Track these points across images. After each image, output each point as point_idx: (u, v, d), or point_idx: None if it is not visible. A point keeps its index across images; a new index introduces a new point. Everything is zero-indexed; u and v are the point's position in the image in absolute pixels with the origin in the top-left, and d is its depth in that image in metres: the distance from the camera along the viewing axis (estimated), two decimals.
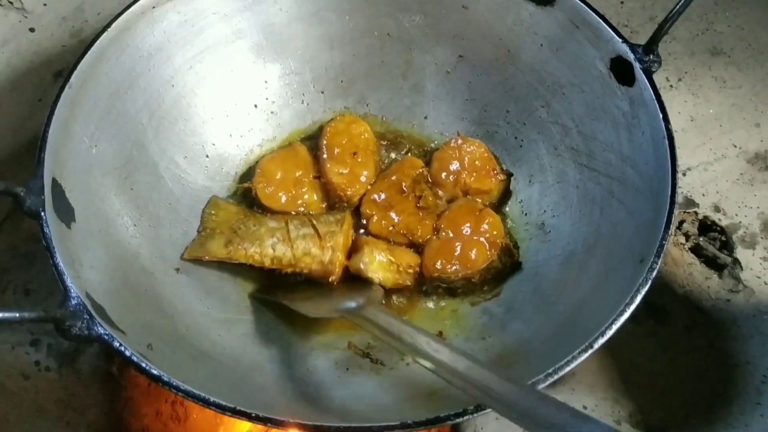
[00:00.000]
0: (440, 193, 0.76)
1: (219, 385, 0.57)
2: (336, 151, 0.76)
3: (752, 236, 0.81)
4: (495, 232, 0.72)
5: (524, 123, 0.76)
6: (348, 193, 0.75)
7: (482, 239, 0.71)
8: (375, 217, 0.74)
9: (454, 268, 0.70)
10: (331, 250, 0.69)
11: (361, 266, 0.69)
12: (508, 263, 0.71)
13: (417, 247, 0.74)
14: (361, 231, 0.76)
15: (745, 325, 0.75)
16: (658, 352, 0.73)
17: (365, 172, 0.76)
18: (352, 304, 0.64)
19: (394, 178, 0.76)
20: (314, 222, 0.71)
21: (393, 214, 0.74)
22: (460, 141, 0.76)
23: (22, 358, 0.72)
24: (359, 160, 0.76)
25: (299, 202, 0.75)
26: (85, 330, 0.51)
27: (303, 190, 0.75)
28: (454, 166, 0.76)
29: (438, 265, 0.71)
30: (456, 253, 0.71)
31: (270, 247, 0.70)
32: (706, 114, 0.90)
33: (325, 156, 0.76)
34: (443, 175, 0.76)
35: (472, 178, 0.75)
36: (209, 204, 0.75)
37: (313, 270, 0.70)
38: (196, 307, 0.67)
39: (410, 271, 0.71)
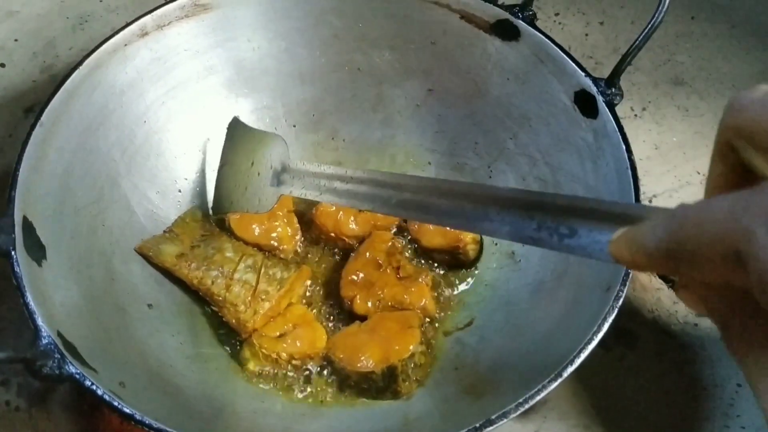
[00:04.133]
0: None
1: (192, 421, 0.57)
2: None
3: None
4: (399, 352, 0.66)
5: (493, 154, 0.78)
6: (328, 227, 0.75)
7: (384, 350, 0.66)
8: (357, 298, 0.71)
9: (341, 356, 0.66)
10: (253, 312, 0.68)
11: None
12: (387, 386, 0.66)
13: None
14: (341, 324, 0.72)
15: (712, 348, 0.76)
16: (628, 377, 0.74)
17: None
18: (271, 171, 0.65)
19: (367, 255, 0.73)
20: (263, 270, 0.70)
21: (377, 290, 0.71)
22: None
23: None
24: None
25: (273, 235, 0.75)
26: (57, 369, 0.51)
27: (276, 223, 0.75)
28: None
29: (332, 347, 0.68)
30: (354, 346, 0.67)
31: (210, 279, 0.69)
32: (670, 142, 0.92)
33: None
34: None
35: None
36: (189, 211, 0.76)
37: (227, 319, 0.69)
38: (168, 342, 0.66)
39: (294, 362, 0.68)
